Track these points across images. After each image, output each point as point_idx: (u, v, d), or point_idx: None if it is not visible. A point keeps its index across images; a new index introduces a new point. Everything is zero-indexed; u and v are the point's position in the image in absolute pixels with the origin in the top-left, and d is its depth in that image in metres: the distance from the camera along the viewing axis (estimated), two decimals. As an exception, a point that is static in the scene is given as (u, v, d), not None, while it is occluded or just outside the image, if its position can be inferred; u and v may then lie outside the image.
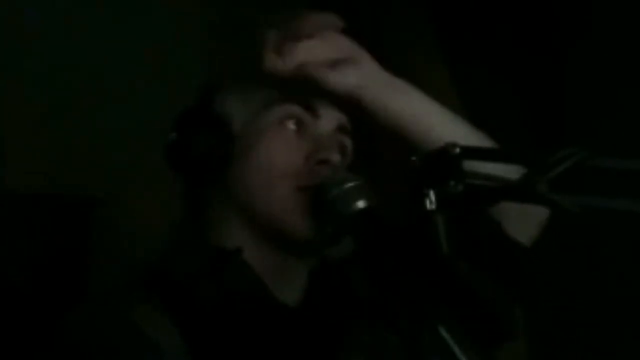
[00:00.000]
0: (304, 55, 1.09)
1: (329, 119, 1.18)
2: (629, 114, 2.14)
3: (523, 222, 1.20)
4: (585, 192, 0.86)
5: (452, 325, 0.90)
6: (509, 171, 0.95)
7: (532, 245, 1.22)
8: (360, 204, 1.04)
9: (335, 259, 1.19)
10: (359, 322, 1.17)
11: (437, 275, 0.95)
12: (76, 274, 2.12)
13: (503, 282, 1.15)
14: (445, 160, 0.97)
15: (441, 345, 0.89)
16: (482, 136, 1.18)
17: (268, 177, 1.12)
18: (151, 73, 2.27)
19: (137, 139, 2.18)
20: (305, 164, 1.13)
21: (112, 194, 2.18)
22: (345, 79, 1.10)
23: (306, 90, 1.12)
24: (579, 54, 2.31)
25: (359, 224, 1.04)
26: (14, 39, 2.14)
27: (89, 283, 2.09)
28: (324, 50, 1.12)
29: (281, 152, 1.13)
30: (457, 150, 0.97)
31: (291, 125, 1.16)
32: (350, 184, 1.06)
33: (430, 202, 0.97)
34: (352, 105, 1.14)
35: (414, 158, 1.08)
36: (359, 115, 1.18)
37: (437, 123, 1.15)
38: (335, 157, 1.14)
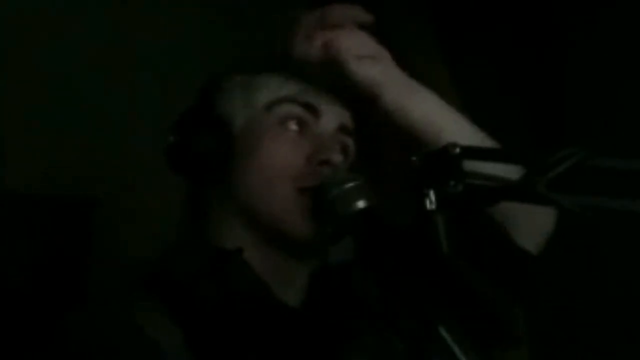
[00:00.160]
0: (334, 43, 1.11)
1: (330, 119, 1.17)
2: (629, 114, 2.14)
3: (531, 231, 1.20)
4: (585, 192, 0.86)
5: (452, 325, 0.90)
6: (509, 171, 0.95)
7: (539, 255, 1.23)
8: (360, 204, 1.04)
9: (337, 263, 1.20)
10: (362, 324, 1.16)
11: (437, 275, 0.95)
12: (76, 274, 2.11)
13: (509, 289, 1.15)
14: (445, 160, 0.97)
15: (444, 347, 0.89)
16: (493, 143, 1.19)
17: (269, 178, 1.12)
18: (151, 73, 2.26)
19: (137, 139, 2.18)
20: (307, 165, 1.13)
21: (112, 194, 2.18)
22: (370, 72, 1.12)
23: (326, 79, 1.13)
24: (579, 54, 2.31)
25: (359, 224, 1.03)
26: (14, 38, 2.14)
27: (89, 283, 2.09)
28: (352, 43, 1.12)
29: (282, 153, 1.13)
30: (457, 150, 0.97)
31: (292, 125, 1.16)
32: (350, 184, 1.06)
33: (430, 202, 0.97)
34: (365, 101, 1.15)
35: (414, 158, 1.08)
36: (364, 113, 1.19)
37: (448, 125, 1.16)
38: (337, 158, 1.14)
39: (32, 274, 2.08)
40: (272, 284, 1.13)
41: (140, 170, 2.12)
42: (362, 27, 1.16)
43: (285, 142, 1.14)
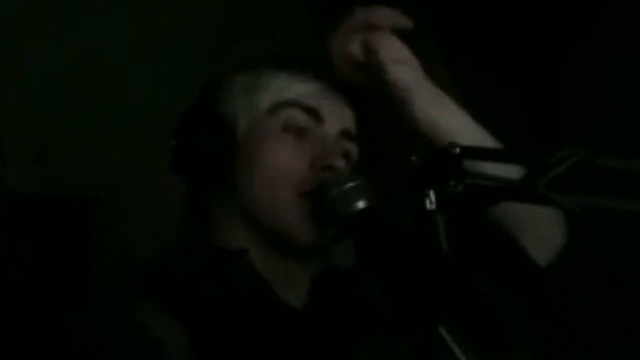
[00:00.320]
0: (375, 44, 1.13)
1: (332, 123, 1.17)
2: (629, 114, 2.14)
3: (541, 245, 1.21)
4: (585, 192, 0.86)
5: (452, 325, 0.90)
6: (509, 171, 0.95)
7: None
8: (360, 204, 1.04)
9: (340, 267, 1.20)
10: (365, 326, 1.16)
11: (437, 275, 0.95)
12: (76, 274, 2.12)
13: (517, 298, 1.16)
14: (445, 160, 0.97)
15: (445, 348, 0.89)
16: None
17: (270, 181, 1.12)
18: (151, 73, 2.26)
19: (137, 139, 2.18)
20: (309, 170, 1.13)
21: (112, 194, 2.18)
22: (405, 77, 1.14)
23: (335, 78, 1.14)
24: (579, 54, 2.31)
25: (359, 224, 1.03)
26: (14, 38, 2.14)
27: (89, 283, 2.09)
28: (391, 46, 1.14)
29: (284, 157, 1.13)
30: (457, 150, 0.97)
31: (295, 129, 1.15)
32: (350, 184, 1.06)
33: (430, 202, 0.97)
34: (371, 102, 1.15)
35: (414, 158, 1.08)
36: (366, 114, 1.19)
37: (472, 138, 1.16)
38: (339, 163, 1.14)
39: (32, 274, 2.08)
40: (273, 285, 1.13)
41: (140, 170, 2.12)
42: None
43: (288, 146, 1.14)
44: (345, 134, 1.19)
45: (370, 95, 1.20)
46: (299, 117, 1.15)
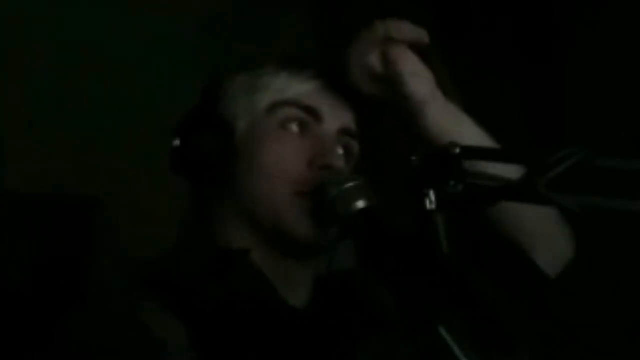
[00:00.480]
0: (396, 57, 1.14)
1: (332, 122, 1.17)
2: (629, 114, 2.14)
3: (551, 257, 1.23)
4: (585, 192, 0.86)
5: (452, 325, 0.90)
6: (509, 171, 0.95)
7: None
8: (360, 204, 1.04)
9: (341, 270, 1.20)
10: (366, 327, 1.16)
11: (437, 275, 0.95)
12: (76, 274, 2.12)
13: (518, 299, 1.17)
14: (445, 160, 0.97)
15: (448, 350, 0.89)
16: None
17: (269, 181, 1.12)
18: (151, 73, 2.26)
19: (138, 139, 2.18)
20: (308, 170, 1.13)
21: (112, 194, 2.18)
22: (422, 90, 1.15)
23: (369, 90, 1.16)
24: (579, 54, 2.31)
25: (359, 224, 1.03)
26: (14, 38, 2.14)
27: (89, 283, 2.09)
28: (410, 60, 1.16)
29: (283, 156, 1.13)
30: (457, 150, 0.97)
31: (294, 127, 1.15)
32: (350, 184, 1.06)
33: (430, 202, 0.97)
34: (404, 115, 1.16)
35: (414, 158, 1.08)
36: (366, 115, 1.19)
37: (478, 144, 1.18)
38: (338, 163, 1.13)
39: (32, 274, 2.08)
40: (275, 285, 1.13)
41: (140, 170, 2.12)
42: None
43: (286, 145, 1.14)
44: (344, 132, 1.19)
45: (375, 99, 1.21)
46: (297, 116, 1.15)
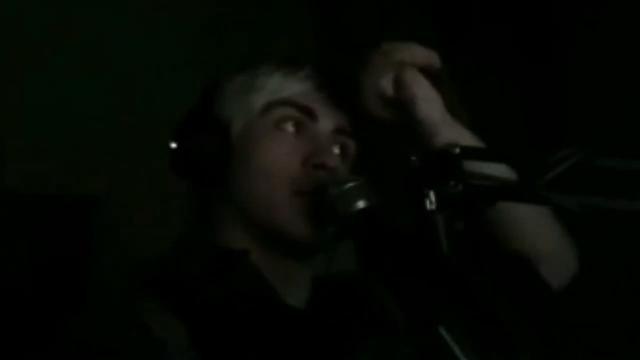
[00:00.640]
0: (408, 83, 1.15)
1: (327, 122, 1.17)
2: (629, 114, 2.14)
3: (555, 272, 1.23)
4: (585, 192, 0.86)
5: (452, 325, 0.90)
6: (509, 171, 0.95)
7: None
8: (361, 204, 1.04)
9: (340, 272, 1.20)
10: (366, 327, 1.17)
11: (438, 275, 0.95)
12: (76, 274, 2.12)
13: (529, 318, 1.18)
14: (445, 160, 0.98)
15: (448, 350, 0.89)
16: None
17: (265, 181, 1.12)
18: (151, 73, 2.27)
19: (138, 139, 2.18)
20: (302, 169, 1.13)
21: (112, 194, 2.18)
22: (433, 113, 1.15)
23: (381, 114, 1.17)
24: (579, 54, 2.31)
25: (359, 224, 1.03)
26: (14, 38, 2.14)
27: (89, 283, 2.09)
28: (420, 84, 1.16)
29: (278, 156, 1.13)
30: (457, 150, 0.97)
31: (289, 127, 1.16)
32: (350, 184, 1.06)
33: (430, 202, 0.97)
34: (416, 137, 1.16)
35: (414, 158, 1.08)
36: (365, 115, 1.19)
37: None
38: (332, 162, 1.13)
39: (32, 273, 2.08)
40: (274, 285, 1.13)
41: (140, 170, 2.12)
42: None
43: (281, 145, 1.14)
44: (340, 132, 1.19)
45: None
46: (292, 115, 1.16)
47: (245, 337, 1.05)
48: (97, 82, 2.20)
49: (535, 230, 1.22)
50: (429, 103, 1.16)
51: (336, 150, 1.18)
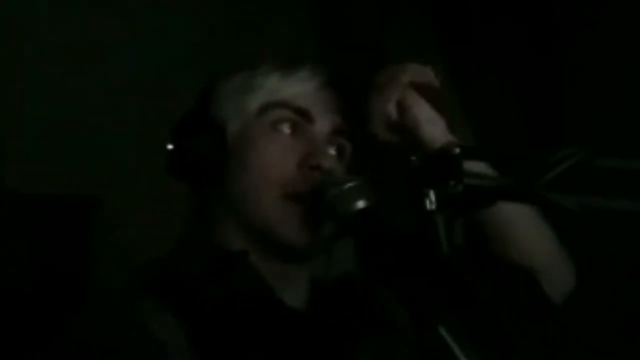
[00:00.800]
0: (411, 106, 1.16)
1: (323, 123, 1.18)
2: (629, 114, 2.14)
3: (553, 286, 1.25)
4: (585, 192, 0.87)
5: (452, 325, 0.90)
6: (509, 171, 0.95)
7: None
8: (360, 204, 1.04)
9: (339, 274, 1.20)
10: (366, 327, 1.17)
11: (438, 275, 0.95)
12: (76, 274, 2.12)
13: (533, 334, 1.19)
14: (445, 160, 0.98)
15: (448, 350, 0.89)
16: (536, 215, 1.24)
17: (260, 183, 1.13)
18: (151, 74, 2.27)
19: (137, 139, 2.18)
20: (298, 170, 1.13)
21: (112, 194, 2.18)
22: (436, 135, 1.16)
23: (386, 138, 1.18)
24: (579, 54, 2.31)
25: (358, 224, 1.03)
26: (14, 38, 2.14)
27: (88, 283, 2.09)
28: (423, 106, 1.17)
29: (274, 157, 1.14)
30: (457, 150, 0.97)
31: (285, 129, 1.16)
32: (349, 184, 1.06)
33: (430, 202, 0.97)
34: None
35: (414, 158, 1.09)
36: (364, 115, 1.19)
37: None
38: (328, 163, 1.14)
39: (31, 273, 2.08)
40: (273, 286, 1.13)
41: (140, 170, 2.12)
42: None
43: (276, 147, 1.14)
44: (337, 133, 1.19)
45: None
46: (288, 117, 1.16)
47: (244, 338, 1.05)
48: (97, 81, 2.20)
49: (533, 243, 1.23)
50: (431, 125, 1.16)
51: (332, 152, 1.19)
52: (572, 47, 2.32)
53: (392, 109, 1.16)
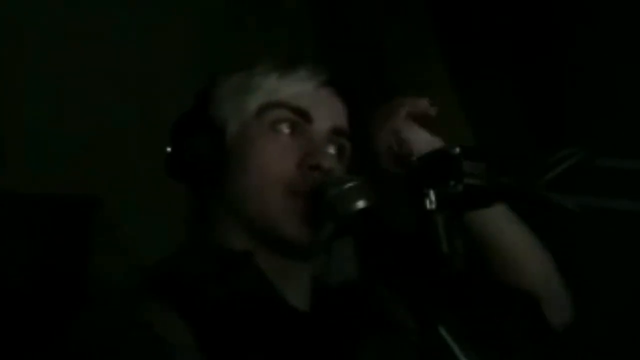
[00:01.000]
0: (406, 137, 1.21)
1: (322, 123, 1.18)
2: (629, 114, 2.14)
3: (552, 314, 1.26)
4: (585, 192, 0.87)
5: (452, 325, 0.90)
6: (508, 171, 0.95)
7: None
8: (360, 204, 1.04)
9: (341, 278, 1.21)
10: (367, 326, 1.17)
11: (438, 275, 0.95)
12: (76, 274, 2.11)
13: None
14: (445, 160, 0.98)
15: (448, 350, 0.89)
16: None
17: (260, 183, 1.13)
18: (151, 74, 2.27)
19: (137, 139, 2.18)
20: (297, 170, 1.13)
21: (112, 194, 2.18)
22: None
23: (391, 168, 1.23)
24: (579, 54, 2.31)
25: (358, 224, 1.03)
26: (14, 38, 2.14)
27: (88, 283, 2.09)
28: (418, 135, 1.22)
29: (272, 157, 1.14)
30: (457, 150, 0.97)
31: (284, 129, 1.16)
32: (349, 184, 1.06)
33: (430, 202, 0.97)
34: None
35: (414, 158, 1.09)
36: (364, 115, 1.20)
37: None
38: (327, 163, 1.14)
39: (31, 273, 2.08)
40: (277, 286, 1.13)
41: (140, 170, 2.12)
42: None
43: (275, 147, 1.15)
44: (336, 132, 1.19)
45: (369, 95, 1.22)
46: (287, 117, 1.16)
47: (252, 338, 1.05)
48: (97, 81, 2.20)
49: (533, 269, 1.25)
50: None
51: (332, 151, 1.19)
52: (572, 47, 2.32)
53: (393, 142, 1.21)
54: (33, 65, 2.15)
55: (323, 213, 1.08)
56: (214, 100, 1.20)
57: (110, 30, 2.25)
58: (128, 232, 2.16)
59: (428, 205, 0.98)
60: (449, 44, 2.43)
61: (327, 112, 1.18)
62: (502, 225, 1.22)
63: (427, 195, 0.98)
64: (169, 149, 1.16)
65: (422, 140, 1.21)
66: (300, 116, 1.16)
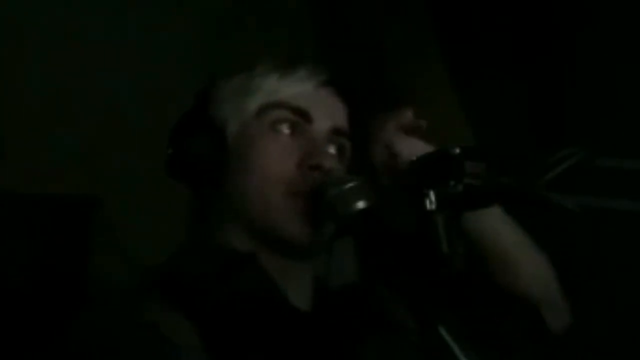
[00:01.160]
0: (398, 150, 1.20)
1: (322, 123, 1.18)
2: (629, 114, 2.15)
3: (553, 315, 1.26)
4: (585, 192, 0.87)
5: (452, 325, 0.90)
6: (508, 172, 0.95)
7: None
8: (360, 204, 1.04)
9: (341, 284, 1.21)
10: (368, 326, 1.17)
11: (438, 275, 0.96)
12: (76, 274, 2.12)
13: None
14: (445, 160, 0.98)
15: (448, 350, 0.89)
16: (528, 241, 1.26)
17: (260, 182, 1.13)
18: (151, 74, 2.27)
19: (137, 139, 2.18)
20: (297, 170, 1.13)
21: (112, 194, 2.18)
22: None
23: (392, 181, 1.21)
24: (579, 54, 2.31)
25: (359, 224, 1.04)
26: (14, 38, 2.14)
27: (88, 283, 2.09)
28: (412, 146, 1.20)
29: (273, 158, 1.14)
30: (457, 150, 0.97)
31: (284, 129, 1.16)
32: (349, 184, 1.06)
33: (430, 202, 0.98)
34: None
35: (414, 158, 1.09)
36: (363, 115, 1.20)
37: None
38: (328, 163, 1.14)
39: (31, 273, 2.08)
40: (279, 286, 1.13)
41: (140, 170, 2.12)
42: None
43: (275, 147, 1.15)
44: (336, 132, 1.19)
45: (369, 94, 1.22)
46: (287, 117, 1.16)
47: (257, 338, 1.05)
48: (97, 81, 2.20)
49: (532, 274, 1.24)
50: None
51: (332, 151, 1.19)
52: (572, 47, 2.32)
53: (387, 156, 1.20)
54: (33, 65, 2.15)
55: (323, 213, 1.08)
56: (214, 100, 1.20)
57: (110, 30, 2.25)
58: (128, 232, 2.16)
59: (428, 206, 0.98)
60: (449, 44, 2.43)
61: (327, 112, 1.19)
62: (497, 226, 1.22)
63: (427, 196, 0.98)
64: (169, 150, 1.16)
65: (416, 151, 1.19)
66: (300, 116, 1.16)
